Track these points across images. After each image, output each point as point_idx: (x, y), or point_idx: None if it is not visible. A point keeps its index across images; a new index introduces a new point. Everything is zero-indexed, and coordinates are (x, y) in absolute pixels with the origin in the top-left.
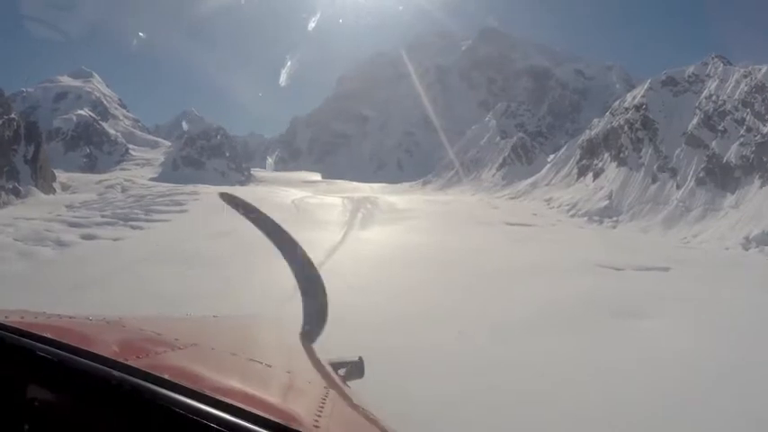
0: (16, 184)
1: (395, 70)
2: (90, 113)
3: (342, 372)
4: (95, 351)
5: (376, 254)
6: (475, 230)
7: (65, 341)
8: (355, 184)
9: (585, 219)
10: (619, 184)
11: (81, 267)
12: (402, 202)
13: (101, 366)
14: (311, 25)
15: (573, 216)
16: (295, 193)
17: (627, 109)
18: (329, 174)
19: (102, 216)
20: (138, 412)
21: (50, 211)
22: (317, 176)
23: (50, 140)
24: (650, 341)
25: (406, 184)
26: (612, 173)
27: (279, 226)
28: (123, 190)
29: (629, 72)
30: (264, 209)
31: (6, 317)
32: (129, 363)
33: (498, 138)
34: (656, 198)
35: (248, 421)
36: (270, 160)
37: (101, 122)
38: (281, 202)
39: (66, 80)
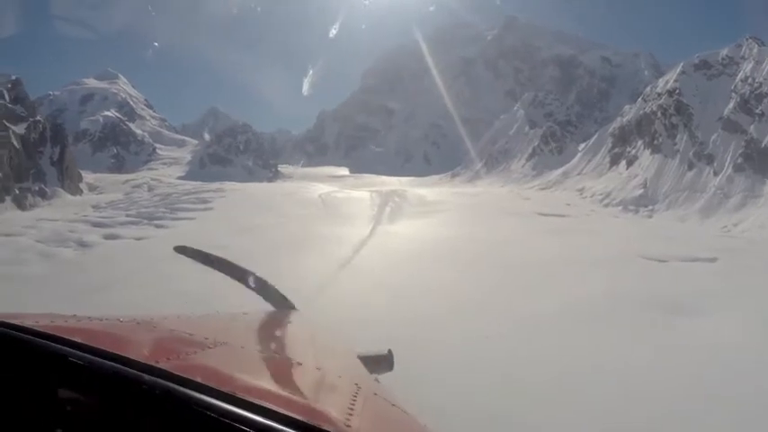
0: (42, 186)
1: (420, 62)
2: (116, 114)
3: (371, 366)
4: (126, 354)
5: (405, 248)
6: (506, 222)
7: (96, 345)
8: (383, 177)
9: (620, 208)
10: (653, 172)
11: (102, 268)
12: (431, 195)
13: (132, 370)
14: (334, 27)
15: (607, 206)
16: (322, 188)
17: (659, 94)
18: (357, 168)
19: (127, 216)
20: (170, 416)
21: (76, 212)
22: (344, 171)
23: (78, 142)
24: (705, 344)
25: (434, 177)
26: (647, 160)
27: (237, 265)
28: (150, 189)
29: (657, 58)
30: (291, 204)
31: (36, 321)
32: (159, 365)
33: (527, 128)
34: (692, 186)
35: (282, 424)
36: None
37: (127, 123)
38: (308, 198)
39: (92, 82)
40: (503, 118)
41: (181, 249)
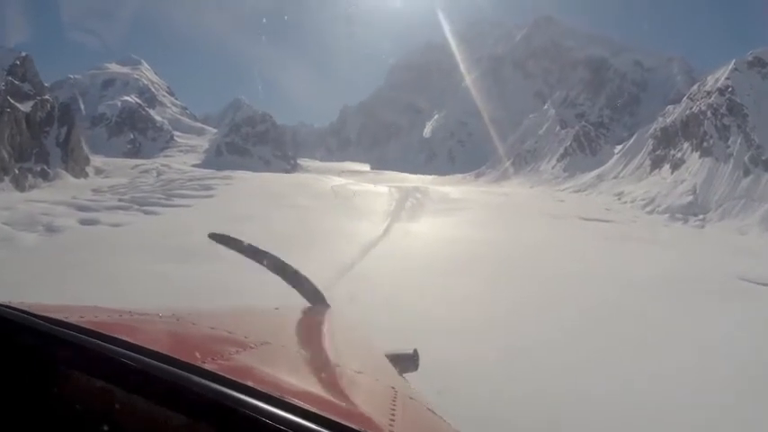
0: (45, 167)
1: (447, 60)
2: (136, 100)
3: (397, 365)
4: (172, 353)
5: (424, 251)
6: (544, 225)
7: (141, 343)
8: (405, 175)
9: (667, 216)
10: (704, 178)
11: (55, 257)
12: (456, 193)
13: (182, 372)
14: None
15: (651, 213)
16: (337, 181)
17: (709, 93)
18: (378, 165)
19: (120, 200)
20: (223, 421)
21: (73, 195)
22: (365, 167)
23: (94, 126)
24: None
25: (458, 176)
26: (695, 164)
27: (275, 257)
28: (158, 174)
29: (690, 64)
30: (300, 195)
31: (81, 316)
32: (206, 366)
33: (558, 127)
34: (749, 193)
35: (336, 431)
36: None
37: (147, 109)
38: (320, 189)
39: (114, 67)
40: (532, 117)
41: (216, 237)
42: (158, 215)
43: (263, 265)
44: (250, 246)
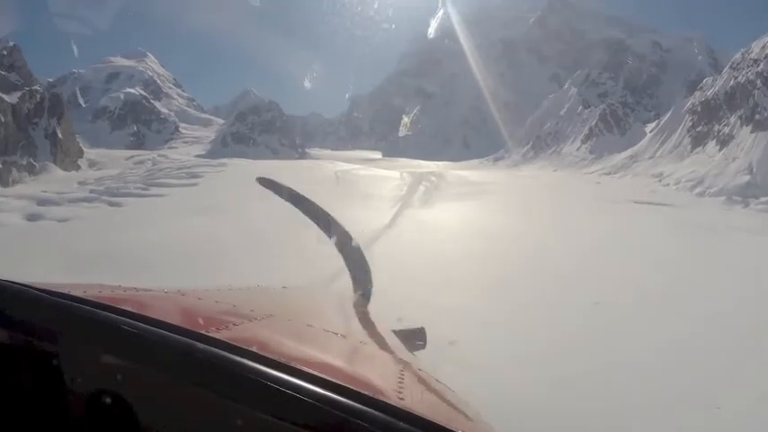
0: (31, 160)
1: (459, 44)
2: (140, 92)
3: (405, 342)
4: (177, 324)
5: (439, 249)
6: (601, 213)
7: (146, 314)
8: (418, 161)
9: (723, 198)
10: (760, 154)
11: None
12: (475, 176)
13: (185, 339)
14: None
15: (701, 195)
16: (342, 166)
17: (756, 61)
18: (391, 152)
19: (91, 191)
20: (226, 387)
21: (43, 189)
22: (377, 155)
23: (97, 119)
24: None
25: (474, 161)
26: (747, 140)
27: (319, 207)
28: (153, 165)
29: (710, 44)
30: (296, 181)
31: (85, 291)
32: (210, 334)
33: (581, 107)
34: None
35: (344, 396)
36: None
37: (151, 101)
38: (321, 174)
39: (119, 60)
40: (552, 97)
41: (264, 182)
42: (122, 207)
43: (308, 215)
44: (292, 192)
